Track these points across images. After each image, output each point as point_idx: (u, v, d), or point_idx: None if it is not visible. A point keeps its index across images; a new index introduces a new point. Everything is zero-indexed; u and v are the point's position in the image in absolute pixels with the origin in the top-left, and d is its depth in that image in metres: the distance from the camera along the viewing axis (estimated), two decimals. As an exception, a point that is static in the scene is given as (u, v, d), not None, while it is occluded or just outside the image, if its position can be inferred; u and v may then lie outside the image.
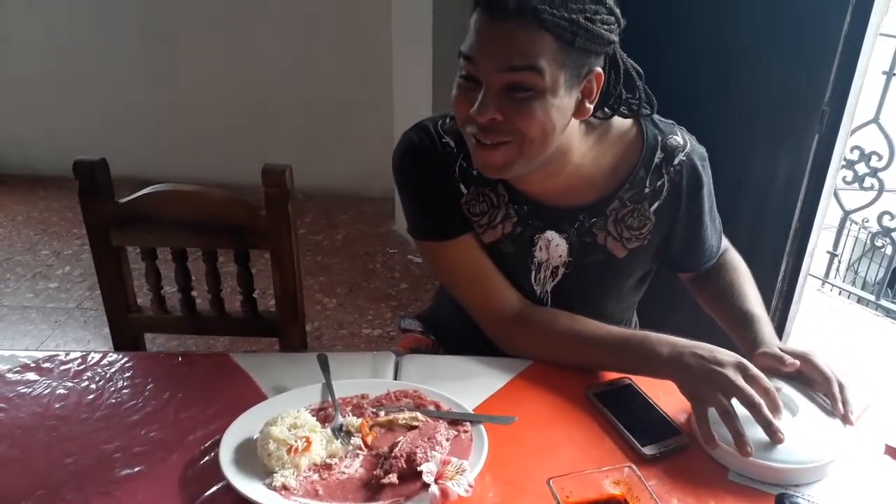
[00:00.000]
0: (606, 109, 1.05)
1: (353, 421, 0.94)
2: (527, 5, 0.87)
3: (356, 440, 0.92)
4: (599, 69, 0.96)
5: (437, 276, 1.17)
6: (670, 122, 1.12)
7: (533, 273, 1.13)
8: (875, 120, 2.77)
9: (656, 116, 1.10)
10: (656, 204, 1.09)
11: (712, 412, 0.90)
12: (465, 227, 1.11)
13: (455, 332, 1.27)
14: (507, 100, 0.92)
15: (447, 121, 1.11)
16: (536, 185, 1.07)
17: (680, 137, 1.10)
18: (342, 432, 0.93)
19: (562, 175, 1.06)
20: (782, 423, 0.91)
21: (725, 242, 1.26)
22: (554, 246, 1.10)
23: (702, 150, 1.12)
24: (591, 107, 0.98)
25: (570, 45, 0.90)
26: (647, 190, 1.09)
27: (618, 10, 0.95)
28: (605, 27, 0.93)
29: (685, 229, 1.13)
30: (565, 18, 0.88)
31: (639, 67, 1.04)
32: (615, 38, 0.96)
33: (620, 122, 1.09)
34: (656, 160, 1.08)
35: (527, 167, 0.99)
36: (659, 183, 1.08)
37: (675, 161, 1.08)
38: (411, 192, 1.13)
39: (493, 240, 1.11)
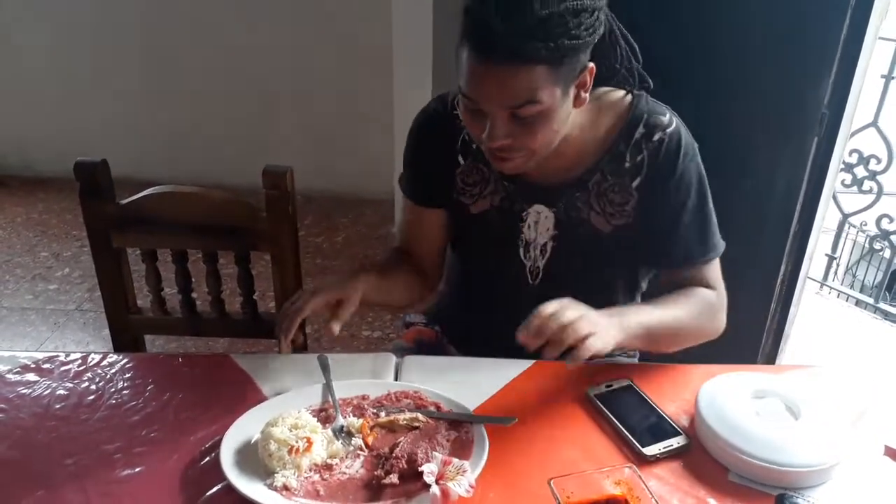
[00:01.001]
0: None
1: (353, 422, 0.95)
2: (514, 47, 0.89)
3: (357, 441, 0.92)
4: (591, 63, 0.98)
5: (398, 223, 1.26)
6: (667, 106, 1.12)
7: (521, 249, 1.16)
8: (874, 123, 2.77)
9: (653, 100, 1.11)
10: (637, 180, 1.09)
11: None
12: (443, 202, 1.19)
13: (462, 323, 1.32)
14: (513, 124, 0.96)
15: None
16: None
17: (667, 118, 1.09)
18: (343, 433, 0.93)
19: (556, 148, 1.07)
20: (785, 426, 0.91)
21: (717, 280, 1.15)
22: (543, 218, 1.13)
23: (691, 141, 1.10)
24: (587, 95, 1.01)
25: (560, 65, 0.92)
26: (627, 164, 1.09)
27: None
28: (589, 30, 0.93)
29: (664, 215, 1.10)
30: (550, 48, 0.90)
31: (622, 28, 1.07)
32: (600, 28, 0.96)
33: (614, 96, 1.11)
34: (637, 135, 1.08)
35: (540, 160, 1.04)
36: (639, 158, 1.08)
37: (655, 137, 1.08)
38: (413, 154, 1.21)
39: (482, 209, 1.16)
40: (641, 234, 1.12)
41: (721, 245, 1.15)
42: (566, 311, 0.92)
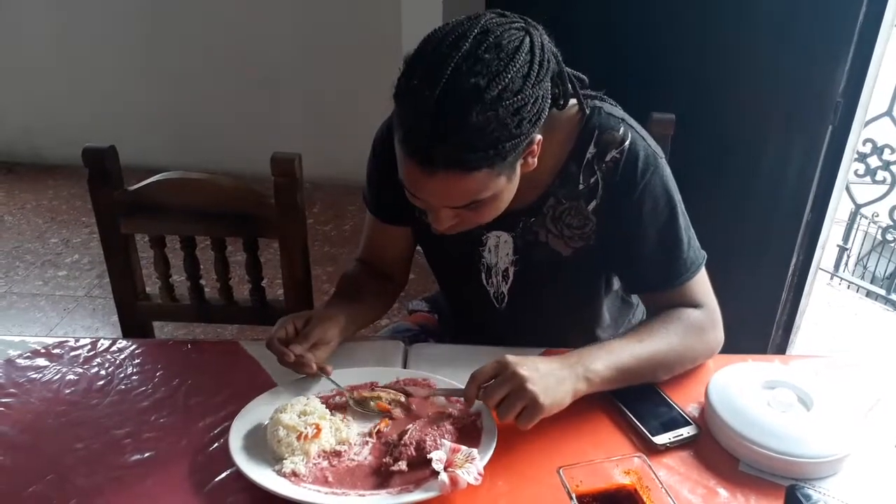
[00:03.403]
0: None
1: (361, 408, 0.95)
2: (454, 160, 0.83)
3: (366, 427, 0.92)
4: (538, 136, 0.91)
5: (362, 235, 1.23)
6: (621, 117, 1.02)
7: (483, 275, 1.13)
8: (888, 112, 2.73)
9: (612, 109, 1.03)
10: (593, 203, 1.02)
11: None
12: (407, 220, 1.15)
13: (448, 313, 1.37)
14: (460, 209, 0.92)
15: None
16: None
17: (620, 132, 1.00)
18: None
19: None
20: (796, 417, 0.90)
21: (704, 295, 1.05)
22: (503, 243, 1.09)
23: (651, 153, 1.01)
24: (534, 160, 0.94)
25: (504, 161, 0.86)
26: (581, 187, 1.02)
27: (542, 76, 0.86)
28: (532, 121, 0.86)
29: (628, 239, 1.03)
30: (491, 155, 0.84)
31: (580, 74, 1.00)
32: (546, 109, 0.89)
33: (566, 113, 1.01)
34: (588, 155, 1.00)
35: None
36: (592, 180, 1.01)
37: (608, 157, 1.00)
38: (374, 170, 1.15)
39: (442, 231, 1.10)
40: (604, 256, 1.07)
41: (700, 258, 1.05)
42: (497, 388, 0.86)
